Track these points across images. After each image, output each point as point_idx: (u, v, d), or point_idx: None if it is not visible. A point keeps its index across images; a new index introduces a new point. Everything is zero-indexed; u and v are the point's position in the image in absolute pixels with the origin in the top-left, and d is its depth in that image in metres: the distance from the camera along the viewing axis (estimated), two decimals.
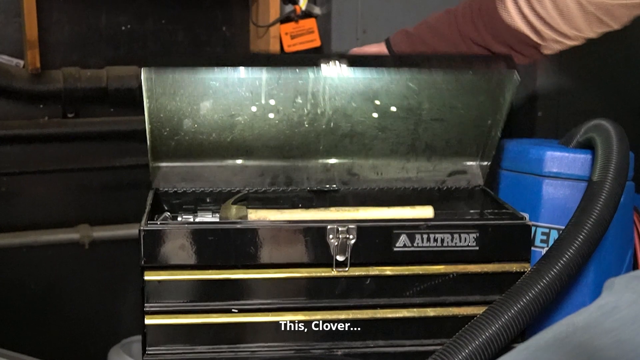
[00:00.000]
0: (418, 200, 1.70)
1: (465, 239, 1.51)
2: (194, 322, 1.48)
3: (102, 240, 2.23)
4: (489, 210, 1.70)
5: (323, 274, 1.49)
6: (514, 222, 1.56)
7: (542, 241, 1.74)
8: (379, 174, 1.77)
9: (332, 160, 1.76)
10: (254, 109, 1.70)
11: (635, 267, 1.79)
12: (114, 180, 2.29)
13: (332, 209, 1.61)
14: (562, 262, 1.51)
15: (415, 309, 1.53)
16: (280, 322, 1.50)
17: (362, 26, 2.10)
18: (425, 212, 1.62)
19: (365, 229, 1.49)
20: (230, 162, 1.75)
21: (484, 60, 1.70)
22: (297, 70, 1.64)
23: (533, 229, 1.73)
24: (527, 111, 2.28)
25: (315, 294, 1.50)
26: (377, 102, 1.71)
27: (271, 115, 1.72)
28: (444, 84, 1.70)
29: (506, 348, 1.36)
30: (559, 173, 1.74)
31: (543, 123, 2.26)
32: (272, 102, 1.72)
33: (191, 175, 1.73)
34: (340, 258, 1.48)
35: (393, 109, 1.72)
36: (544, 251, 1.60)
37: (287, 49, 2.29)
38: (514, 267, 1.54)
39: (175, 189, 1.73)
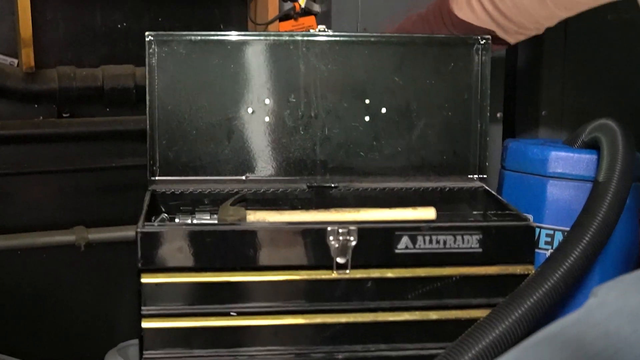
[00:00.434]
0: (420, 202, 1.70)
1: (468, 240, 1.51)
2: (191, 326, 1.48)
3: (98, 242, 2.22)
4: (492, 212, 1.70)
5: (323, 277, 1.49)
6: (518, 223, 1.56)
7: (546, 243, 1.74)
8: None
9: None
10: (249, 110, 1.74)
11: None
12: (110, 181, 2.29)
13: (332, 210, 1.61)
14: (566, 264, 1.51)
15: (417, 312, 1.53)
16: (279, 325, 1.50)
17: (362, 24, 2.10)
18: (428, 213, 1.62)
19: (366, 231, 1.49)
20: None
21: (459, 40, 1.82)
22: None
23: (537, 230, 1.73)
24: (531, 111, 2.28)
25: (315, 296, 1.50)
26: (367, 101, 1.78)
27: (267, 119, 1.76)
28: (427, 77, 1.80)
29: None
30: (564, 173, 1.75)
31: (547, 123, 2.26)
32: (267, 101, 1.75)
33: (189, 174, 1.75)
34: (340, 260, 1.48)
35: (383, 110, 1.79)
36: (548, 253, 1.61)
37: None
38: (517, 269, 1.54)
39: (173, 190, 1.73)
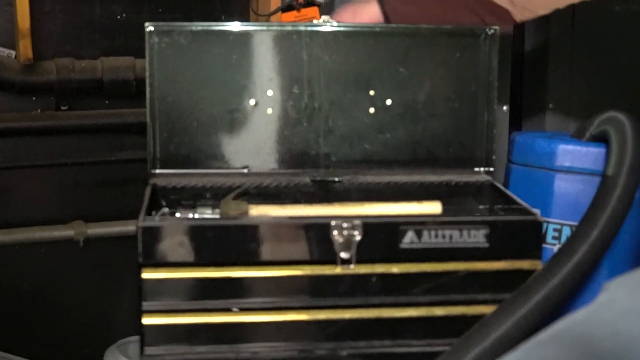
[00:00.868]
0: (425, 196, 1.70)
1: (475, 235, 1.51)
2: (193, 322, 1.48)
3: (97, 237, 2.23)
4: (498, 206, 1.70)
5: (327, 272, 1.49)
6: (525, 217, 1.56)
7: (554, 238, 1.74)
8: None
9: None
10: (252, 101, 1.74)
11: None
12: (109, 175, 2.29)
13: (336, 204, 1.61)
14: (574, 259, 1.51)
15: (422, 308, 1.53)
16: (282, 321, 1.50)
17: None
18: (433, 208, 1.62)
19: (370, 225, 1.49)
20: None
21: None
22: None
23: (544, 225, 1.73)
24: (538, 103, 2.28)
25: (318, 292, 1.50)
26: (372, 93, 1.78)
27: (269, 111, 1.76)
28: (433, 68, 1.80)
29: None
30: (572, 167, 1.74)
31: (554, 115, 2.26)
32: (270, 93, 1.75)
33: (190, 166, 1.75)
34: (344, 255, 1.48)
35: (388, 101, 1.78)
36: (555, 248, 1.60)
37: None
38: (524, 264, 1.54)
39: (174, 184, 1.73)
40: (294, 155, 1.78)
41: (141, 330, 1.48)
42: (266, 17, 2.25)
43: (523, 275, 1.52)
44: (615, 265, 1.70)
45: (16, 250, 2.22)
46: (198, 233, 1.46)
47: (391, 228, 1.49)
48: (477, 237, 1.51)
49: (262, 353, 1.51)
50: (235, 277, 1.48)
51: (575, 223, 1.59)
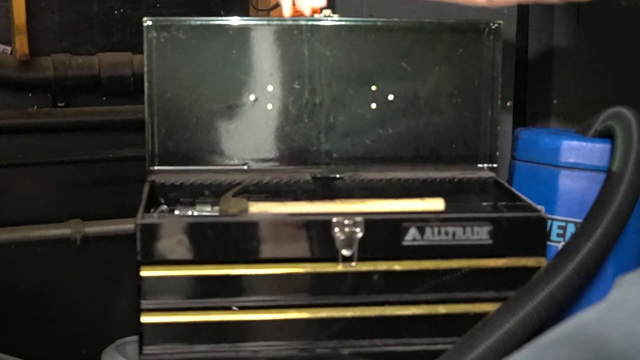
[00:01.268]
0: (428, 193, 1.70)
1: (478, 232, 1.51)
2: (192, 320, 1.49)
3: (95, 236, 2.23)
4: (502, 203, 1.70)
5: (328, 270, 1.50)
6: (529, 214, 1.56)
7: (558, 235, 1.74)
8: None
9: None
10: (251, 97, 1.75)
11: None
12: (107, 173, 2.29)
13: (337, 201, 1.61)
14: (579, 257, 1.51)
15: (425, 306, 1.53)
16: (283, 320, 1.50)
17: (368, 9, 2.10)
18: (436, 204, 1.62)
19: (372, 222, 1.49)
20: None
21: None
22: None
23: (549, 222, 1.73)
24: (543, 99, 2.28)
25: (320, 290, 1.51)
26: (374, 88, 1.78)
27: (270, 107, 1.77)
28: (436, 63, 1.80)
29: (520, 347, 1.37)
30: (576, 164, 1.75)
31: (559, 112, 2.26)
32: (270, 88, 1.76)
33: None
34: (346, 252, 1.49)
35: (390, 97, 1.79)
36: (560, 246, 1.61)
37: None
38: (529, 262, 1.54)
39: (172, 181, 1.73)
40: (294, 152, 1.79)
41: (140, 329, 1.49)
42: (266, 12, 2.25)
43: (527, 272, 1.52)
44: (621, 263, 1.70)
45: (12, 249, 2.22)
46: (197, 230, 1.47)
47: (393, 225, 1.50)
48: (481, 234, 1.51)
49: (263, 352, 1.51)
50: (235, 275, 1.48)
51: (580, 220, 1.60)
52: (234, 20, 1.75)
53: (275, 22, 1.79)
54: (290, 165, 1.78)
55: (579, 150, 1.75)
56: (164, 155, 1.75)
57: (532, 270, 1.52)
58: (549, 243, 1.67)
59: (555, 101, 2.25)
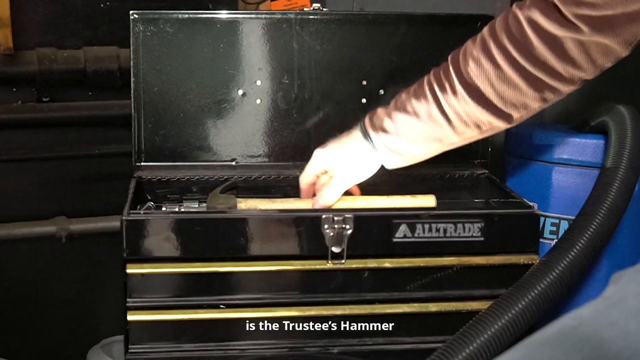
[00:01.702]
0: (420, 189, 1.71)
1: (470, 229, 1.52)
2: (180, 319, 1.49)
3: (81, 233, 2.22)
4: (495, 199, 1.71)
5: (318, 267, 1.50)
6: (522, 211, 1.57)
7: (551, 232, 1.75)
8: None
9: None
10: (240, 92, 1.75)
11: None
12: (93, 170, 2.28)
13: None
14: (572, 254, 1.52)
15: (416, 304, 1.54)
16: (272, 318, 1.51)
17: (359, 3, 2.10)
18: (427, 201, 1.63)
19: (362, 219, 1.50)
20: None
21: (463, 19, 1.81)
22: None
23: (542, 219, 1.74)
24: None
25: (309, 288, 1.51)
26: (364, 83, 1.80)
27: (258, 101, 1.77)
28: (427, 57, 1.79)
29: (513, 345, 1.37)
30: (570, 160, 1.75)
31: (552, 107, 2.26)
32: (258, 83, 1.76)
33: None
34: (336, 250, 1.49)
35: (381, 92, 1.81)
36: (553, 243, 1.61)
37: None
38: (521, 259, 1.55)
39: (159, 177, 1.74)
40: (283, 148, 1.80)
41: (126, 327, 1.49)
42: (255, 5, 2.25)
43: (519, 270, 1.53)
44: (615, 260, 1.71)
45: None
46: (184, 227, 1.47)
47: (384, 222, 1.50)
48: (472, 231, 1.52)
49: (251, 351, 1.52)
50: (223, 272, 1.49)
51: (574, 217, 1.61)
52: (222, 14, 1.76)
53: (264, 16, 1.79)
54: (280, 161, 1.79)
55: (573, 146, 1.75)
56: (151, 151, 1.76)
57: (525, 267, 1.53)
58: (541, 240, 1.68)
59: None
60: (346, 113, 1.79)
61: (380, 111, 1.50)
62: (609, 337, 0.93)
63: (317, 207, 1.56)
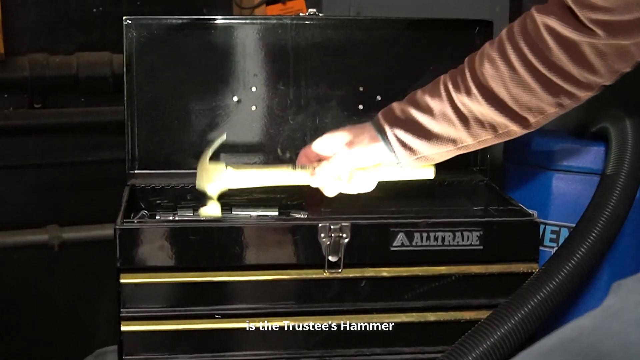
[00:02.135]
0: (417, 196, 1.71)
1: (468, 237, 1.52)
2: (174, 329, 1.50)
3: (73, 241, 2.23)
4: (494, 207, 1.71)
5: (314, 276, 1.51)
6: (521, 219, 1.58)
7: (551, 240, 1.76)
8: None
9: None
10: (235, 98, 1.76)
11: None
12: (86, 177, 2.28)
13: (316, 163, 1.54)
14: (573, 262, 1.53)
15: (414, 314, 1.54)
16: (268, 328, 1.51)
17: (355, 7, 2.11)
18: (426, 172, 1.54)
19: (359, 227, 1.50)
20: None
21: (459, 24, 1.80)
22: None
23: (542, 226, 1.75)
24: None
25: (305, 297, 1.52)
26: (361, 89, 1.81)
27: (253, 108, 1.77)
28: (425, 62, 1.81)
29: (512, 355, 1.38)
30: (570, 166, 1.76)
31: None
32: (254, 89, 1.76)
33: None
34: (332, 258, 1.50)
35: (378, 97, 1.81)
36: (553, 251, 1.61)
37: None
38: (521, 267, 1.55)
39: (153, 185, 1.74)
40: (278, 155, 1.80)
41: (120, 338, 1.50)
42: (250, 10, 2.25)
43: (519, 278, 1.53)
44: (616, 268, 1.72)
45: None
46: (179, 236, 1.48)
47: (381, 230, 1.51)
48: (471, 239, 1.53)
49: None
50: (218, 281, 1.49)
51: (574, 224, 1.61)
52: (217, 19, 1.76)
53: (259, 21, 1.79)
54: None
55: (573, 153, 1.76)
56: (145, 158, 1.76)
57: (524, 276, 1.54)
58: (541, 248, 1.69)
59: None
60: (343, 119, 1.79)
61: (394, 105, 1.47)
62: (609, 348, 0.93)
63: (313, 180, 1.51)
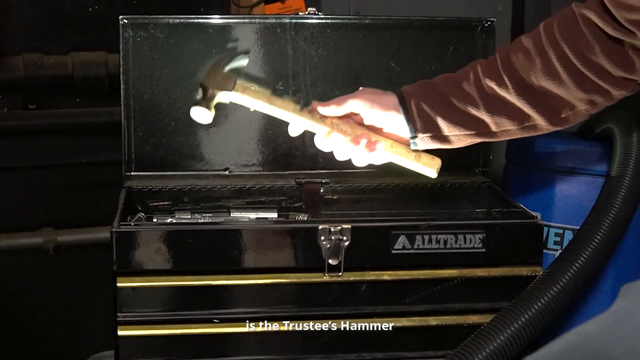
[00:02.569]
0: (418, 199, 1.71)
1: (471, 240, 1.53)
2: (171, 334, 1.50)
3: (68, 245, 2.23)
4: (496, 209, 1.71)
5: (314, 280, 1.51)
6: (524, 221, 1.58)
7: (555, 243, 1.76)
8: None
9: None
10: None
11: None
12: (81, 179, 2.28)
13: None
14: (577, 265, 1.53)
15: (415, 318, 1.55)
16: (267, 332, 1.51)
17: (355, 6, 2.11)
18: (429, 170, 1.45)
19: (360, 230, 1.50)
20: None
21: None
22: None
23: (545, 229, 1.75)
24: None
25: (305, 301, 1.52)
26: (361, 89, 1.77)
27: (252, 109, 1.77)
28: (426, 62, 1.81)
29: None
30: (574, 168, 1.76)
31: None
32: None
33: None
34: (332, 262, 1.50)
35: None
36: (557, 254, 1.61)
37: None
38: (524, 271, 1.56)
39: (150, 187, 1.74)
40: (278, 156, 1.80)
41: (116, 342, 1.50)
42: (248, 9, 2.26)
43: (522, 282, 1.53)
44: (621, 271, 1.72)
45: None
46: (176, 239, 1.48)
47: (382, 232, 1.51)
48: (474, 242, 1.53)
49: None
50: (216, 285, 1.49)
51: (578, 227, 1.61)
52: (214, 18, 1.76)
53: (257, 20, 1.79)
54: (274, 170, 1.79)
55: (577, 154, 1.76)
56: (141, 160, 1.76)
57: (528, 279, 1.54)
58: (545, 251, 1.69)
59: None
60: None
61: (421, 82, 1.44)
62: (616, 354, 0.92)
63: (328, 141, 1.41)
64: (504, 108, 1.35)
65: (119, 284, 1.47)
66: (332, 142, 1.40)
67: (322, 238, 1.49)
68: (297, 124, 1.43)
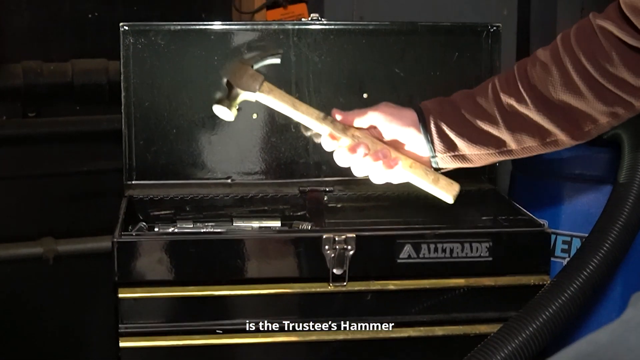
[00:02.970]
0: (423, 207, 1.71)
1: (477, 248, 1.52)
2: (174, 345, 1.49)
3: (69, 254, 2.23)
4: (503, 217, 1.71)
5: (318, 290, 1.51)
6: (532, 229, 1.58)
7: (563, 251, 1.76)
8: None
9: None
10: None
11: None
12: (82, 187, 2.29)
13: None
14: (585, 273, 1.52)
15: (421, 328, 1.54)
16: (270, 344, 1.51)
17: (358, 11, 2.11)
18: (446, 196, 1.47)
19: (365, 239, 1.50)
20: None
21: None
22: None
23: (553, 237, 1.74)
24: None
25: (309, 312, 1.51)
26: (365, 96, 1.80)
27: (255, 116, 1.77)
28: (431, 68, 1.81)
29: None
30: (581, 174, 1.76)
31: None
32: None
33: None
34: (337, 271, 1.49)
35: None
36: (565, 262, 1.61)
37: None
38: (531, 279, 1.55)
39: (151, 196, 1.74)
40: (281, 164, 1.79)
41: (118, 354, 1.49)
42: (250, 15, 2.26)
43: (530, 291, 1.53)
44: (629, 279, 1.71)
45: None
46: (178, 248, 1.48)
47: (387, 241, 1.51)
48: (480, 251, 1.52)
49: None
50: (219, 296, 1.49)
51: (586, 234, 1.61)
52: (216, 25, 1.76)
53: (259, 26, 1.79)
54: (277, 178, 1.79)
55: (584, 160, 1.76)
56: (143, 168, 1.76)
57: (535, 288, 1.53)
58: (552, 259, 1.69)
59: None
60: None
61: (439, 99, 1.43)
62: None
63: (351, 156, 1.39)
64: (524, 125, 1.35)
65: (120, 295, 1.47)
66: (352, 156, 1.40)
67: (327, 247, 1.49)
68: (317, 130, 1.45)
